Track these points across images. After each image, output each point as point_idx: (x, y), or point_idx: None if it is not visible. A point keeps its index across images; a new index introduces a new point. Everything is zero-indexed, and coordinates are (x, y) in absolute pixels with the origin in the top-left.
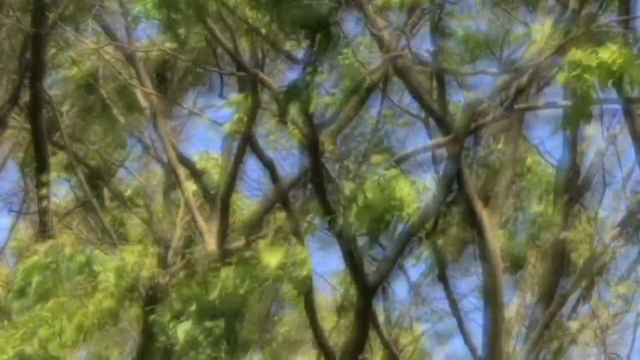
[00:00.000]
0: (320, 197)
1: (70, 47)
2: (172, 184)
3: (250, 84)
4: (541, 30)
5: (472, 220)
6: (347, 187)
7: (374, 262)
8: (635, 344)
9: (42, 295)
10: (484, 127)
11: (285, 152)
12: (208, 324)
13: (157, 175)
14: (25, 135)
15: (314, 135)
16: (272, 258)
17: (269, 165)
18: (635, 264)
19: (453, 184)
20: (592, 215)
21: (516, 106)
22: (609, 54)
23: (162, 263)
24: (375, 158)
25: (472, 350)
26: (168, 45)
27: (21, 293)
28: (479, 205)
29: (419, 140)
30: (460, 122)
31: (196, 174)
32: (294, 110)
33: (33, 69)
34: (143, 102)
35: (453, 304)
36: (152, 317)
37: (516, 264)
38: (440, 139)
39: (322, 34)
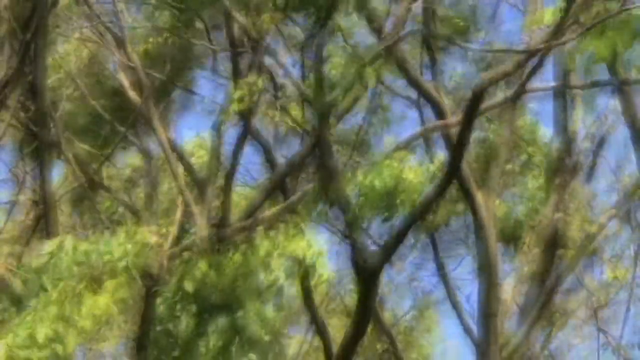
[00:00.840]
0: (324, 183)
1: (63, 32)
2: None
3: (258, 65)
4: (551, 12)
5: (467, 201)
6: (352, 172)
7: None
8: (627, 322)
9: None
10: (493, 108)
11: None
12: (211, 314)
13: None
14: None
15: (324, 127)
16: (292, 246)
17: (266, 150)
18: (629, 243)
19: (459, 167)
20: (585, 195)
21: (528, 87)
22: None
23: (162, 247)
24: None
25: (468, 330)
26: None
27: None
28: (474, 186)
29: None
30: (469, 103)
31: (186, 161)
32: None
33: (36, 46)
34: (127, 86)
35: (447, 284)
36: (153, 301)
37: (511, 244)
38: (448, 120)
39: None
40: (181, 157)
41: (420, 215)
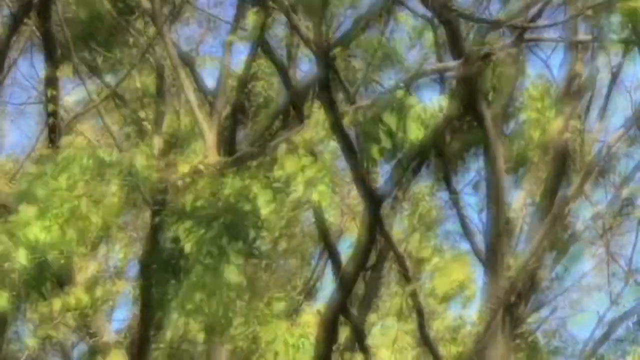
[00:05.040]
0: (329, 109)
1: None
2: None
3: None
4: None
5: (476, 122)
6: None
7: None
8: (637, 244)
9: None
10: (495, 53)
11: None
12: (215, 229)
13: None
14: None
15: (325, 47)
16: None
17: (281, 70)
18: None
19: (464, 104)
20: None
21: (526, 36)
22: None
23: (170, 166)
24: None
25: (476, 251)
26: None
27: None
28: (483, 106)
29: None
30: (472, 47)
31: (195, 74)
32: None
33: None
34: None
35: (456, 205)
36: (158, 220)
37: (518, 165)
38: (451, 62)
39: None
40: (191, 70)
41: (428, 147)
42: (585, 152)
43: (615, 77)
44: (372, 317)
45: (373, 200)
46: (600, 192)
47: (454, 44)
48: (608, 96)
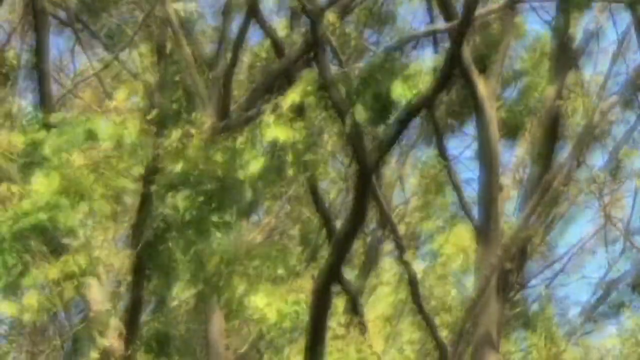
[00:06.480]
0: (320, 71)
1: None
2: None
3: None
4: None
5: (468, 89)
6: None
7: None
8: (635, 208)
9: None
10: (486, 16)
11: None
12: (204, 194)
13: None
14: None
15: (315, 7)
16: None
17: (272, 37)
18: (633, 129)
19: (454, 64)
20: (587, 80)
21: None
22: None
23: (162, 132)
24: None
25: (470, 217)
26: None
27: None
28: (474, 73)
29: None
30: (463, 10)
31: (195, 42)
32: None
33: None
34: None
35: (450, 171)
36: (150, 187)
37: (512, 131)
38: (442, 24)
39: None
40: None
41: (418, 110)
42: (580, 116)
43: (621, 44)
44: (369, 285)
45: (364, 164)
46: (596, 156)
47: (445, 7)
48: (612, 62)
